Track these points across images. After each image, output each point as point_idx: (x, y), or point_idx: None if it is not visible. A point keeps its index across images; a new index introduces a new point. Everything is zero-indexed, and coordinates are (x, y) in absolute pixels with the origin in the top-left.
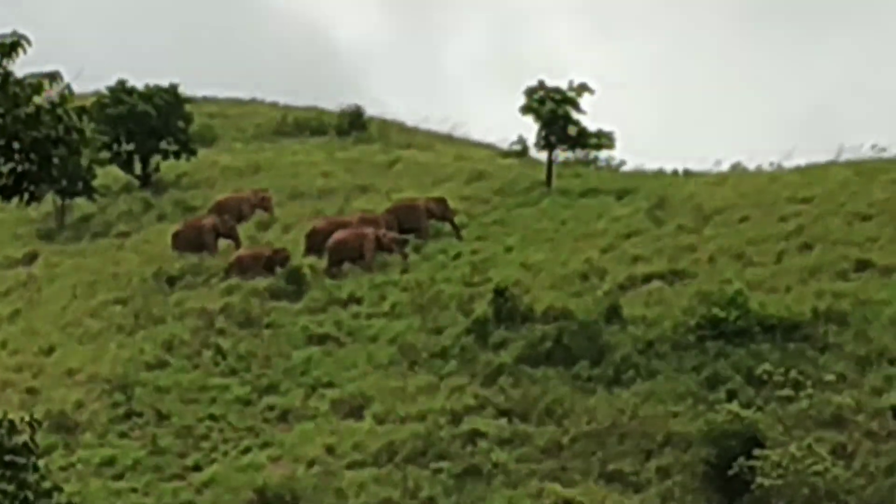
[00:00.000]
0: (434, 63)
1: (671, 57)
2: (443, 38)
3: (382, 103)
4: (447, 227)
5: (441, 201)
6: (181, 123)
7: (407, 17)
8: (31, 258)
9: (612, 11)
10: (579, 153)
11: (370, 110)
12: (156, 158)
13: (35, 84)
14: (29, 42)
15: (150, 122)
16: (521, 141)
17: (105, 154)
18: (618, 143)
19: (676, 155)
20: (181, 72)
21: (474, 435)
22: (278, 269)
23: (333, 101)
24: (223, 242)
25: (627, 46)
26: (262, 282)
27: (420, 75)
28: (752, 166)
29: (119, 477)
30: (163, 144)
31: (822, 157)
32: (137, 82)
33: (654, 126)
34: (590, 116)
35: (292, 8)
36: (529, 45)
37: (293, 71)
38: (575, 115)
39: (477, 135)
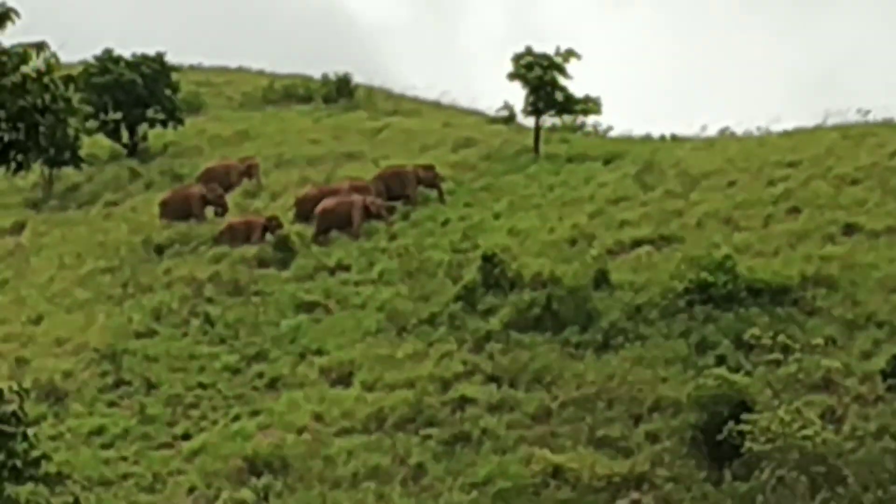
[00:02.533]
0: (450, 38)
1: (671, 25)
2: (460, 13)
3: (398, 77)
4: (435, 193)
5: (429, 168)
6: (168, 92)
7: None
8: (18, 227)
9: None
10: (566, 119)
11: (386, 85)
12: (143, 127)
13: (21, 53)
14: (18, 14)
15: (136, 91)
16: (509, 107)
17: (92, 123)
18: (604, 109)
19: (664, 120)
20: (181, 42)
21: (463, 401)
22: (269, 237)
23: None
24: (211, 210)
25: (631, 15)
26: (250, 249)
27: (436, 50)
28: (739, 131)
29: (108, 446)
30: (150, 113)
31: (809, 122)
32: (126, 51)
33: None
34: (592, 84)
35: None
36: (546, 18)
37: (307, 44)
38: (562, 80)
39: (464, 102)
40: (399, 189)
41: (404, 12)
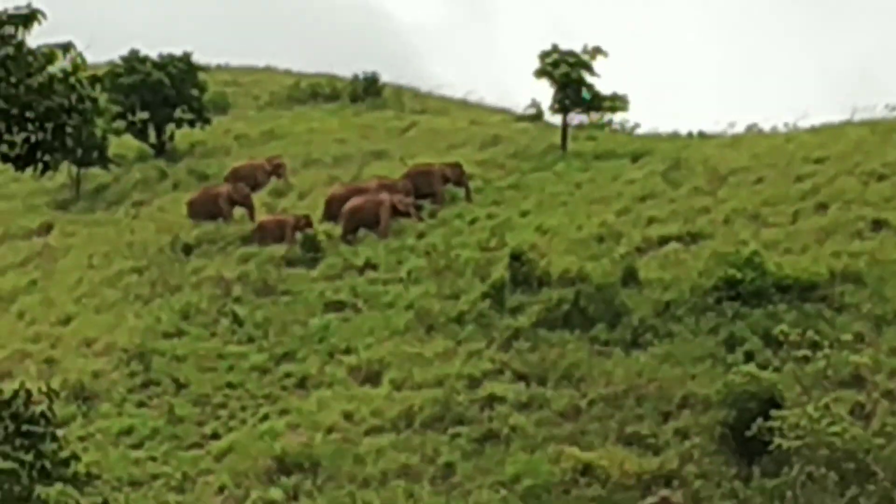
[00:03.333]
0: (486, 37)
1: (699, 22)
2: (496, 12)
3: (436, 77)
4: (462, 192)
5: (456, 166)
6: (195, 92)
7: None
8: (46, 228)
9: None
10: (594, 116)
11: (425, 85)
12: (170, 127)
13: (48, 54)
14: (44, 15)
15: (164, 91)
16: (536, 105)
17: (119, 123)
18: (631, 106)
19: (691, 117)
20: (213, 42)
21: (492, 399)
22: (298, 236)
23: (387, 73)
24: (238, 210)
25: (660, 13)
26: (278, 249)
27: (472, 50)
28: (766, 127)
29: (137, 446)
30: (177, 113)
31: (836, 118)
32: (153, 51)
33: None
34: (620, 81)
35: None
36: (578, 16)
37: (340, 44)
38: (589, 78)
39: (491, 100)
40: (426, 187)
41: (439, 11)
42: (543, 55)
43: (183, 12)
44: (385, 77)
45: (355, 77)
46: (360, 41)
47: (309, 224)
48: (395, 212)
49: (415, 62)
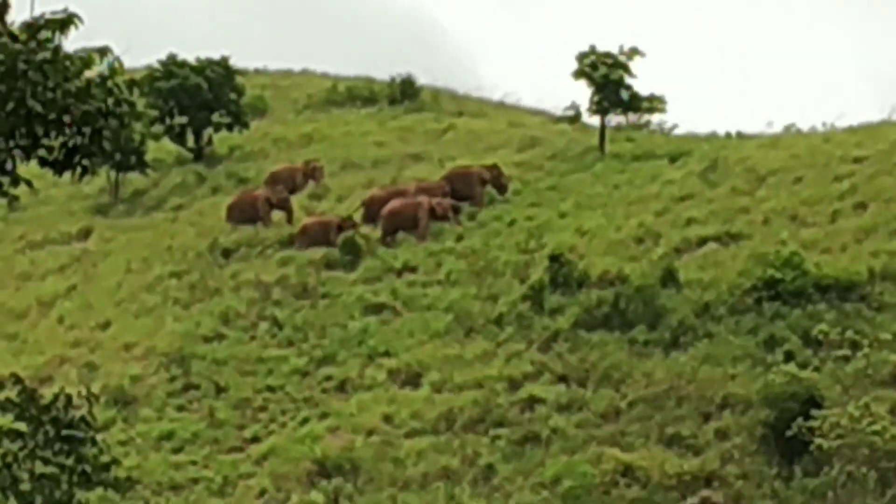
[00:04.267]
0: (530, 41)
1: (738, 21)
2: (540, 15)
3: (479, 80)
4: (501, 193)
5: (494, 168)
6: (233, 96)
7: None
8: (85, 233)
9: None
10: (632, 117)
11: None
12: (208, 131)
13: (85, 58)
14: (81, 20)
15: (201, 95)
16: (574, 106)
17: (158, 128)
18: (669, 107)
19: (729, 117)
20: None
21: (532, 401)
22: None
23: (428, 77)
24: (276, 214)
25: (696, 12)
26: (317, 252)
27: (517, 53)
28: (804, 127)
29: (178, 450)
30: (215, 117)
31: (874, 117)
32: (190, 55)
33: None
34: (657, 81)
35: None
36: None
37: (384, 46)
38: (627, 79)
39: (529, 102)
40: (465, 190)
41: (482, 13)
42: (581, 56)
43: (230, 18)
44: (427, 79)
45: (392, 79)
46: (405, 43)
47: (353, 225)
48: (434, 214)
49: (457, 64)
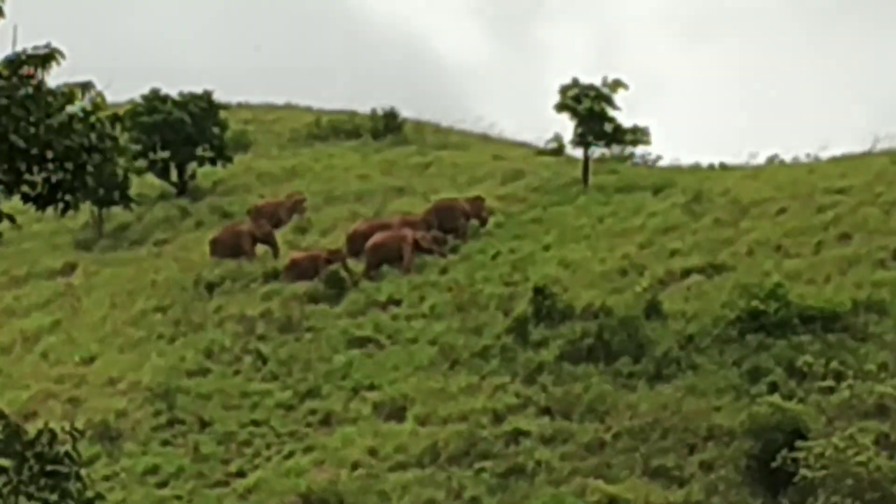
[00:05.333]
0: (534, 78)
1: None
2: (543, 54)
3: (486, 120)
4: (484, 225)
5: (476, 200)
6: (216, 130)
7: (506, 32)
8: (69, 268)
9: (705, 17)
10: (615, 149)
11: (475, 127)
12: (192, 165)
13: (67, 93)
14: (63, 55)
15: (185, 130)
16: (558, 139)
17: (141, 162)
18: (653, 139)
19: (712, 149)
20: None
21: (517, 434)
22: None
23: (413, 109)
24: (261, 248)
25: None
26: (301, 286)
27: (521, 91)
28: (788, 158)
29: (163, 485)
30: (198, 151)
31: (858, 148)
32: (173, 90)
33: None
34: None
35: (391, 21)
36: (629, 58)
37: (389, 84)
38: (610, 111)
39: (512, 133)
40: (450, 222)
41: (485, 52)
42: (564, 89)
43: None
44: (412, 111)
45: (375, 112)
46: (396, 74)
47: (343, 259)
48: (418, 247)
49: (464, 104)
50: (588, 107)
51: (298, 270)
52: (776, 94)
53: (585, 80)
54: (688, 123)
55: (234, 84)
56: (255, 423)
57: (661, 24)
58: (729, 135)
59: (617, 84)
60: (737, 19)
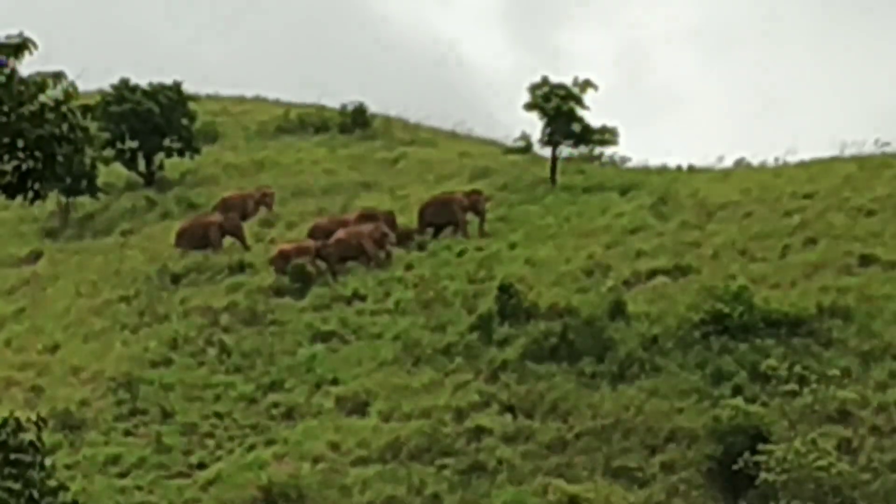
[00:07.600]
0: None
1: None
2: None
3: (507, 129)
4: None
5: (475, 194)
6: (185, 121)
7: (530, 44)
8: (35, 256)
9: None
10: (583, 149)
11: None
12: (160, 156)
13: (39, 82)
14: (35, 45)
15: (153, 120)
16: (525, 137)
17: (109, 152)
18: (621, 139)
19: (680, 151)
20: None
21: (479, 431)
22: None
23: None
24: (227, 240)
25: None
26: (266, 279)
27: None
28: (755, 162)
29: (124, 475)
30: (166, 142)
31: (825, 153)
32: (143, 80)
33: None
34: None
35: (415, 27)
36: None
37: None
38: (579, 111)
39: (480, 131)
40: (447, 216)
41: (507, 64)
42: (533, 88)
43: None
44: (375, 108)
45: (343, 107)
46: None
47: (329, 250)
48: (378, 243)
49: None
50: (556, 106)
51: (286, 262)
52: (801, 105)
53: (557, 79)
54: (704, 132)
55: (241, 79)
56: (218, 415)
57: (684, 35)
58: (739, 140)
59: (587, 84)
60: (766, 32)
